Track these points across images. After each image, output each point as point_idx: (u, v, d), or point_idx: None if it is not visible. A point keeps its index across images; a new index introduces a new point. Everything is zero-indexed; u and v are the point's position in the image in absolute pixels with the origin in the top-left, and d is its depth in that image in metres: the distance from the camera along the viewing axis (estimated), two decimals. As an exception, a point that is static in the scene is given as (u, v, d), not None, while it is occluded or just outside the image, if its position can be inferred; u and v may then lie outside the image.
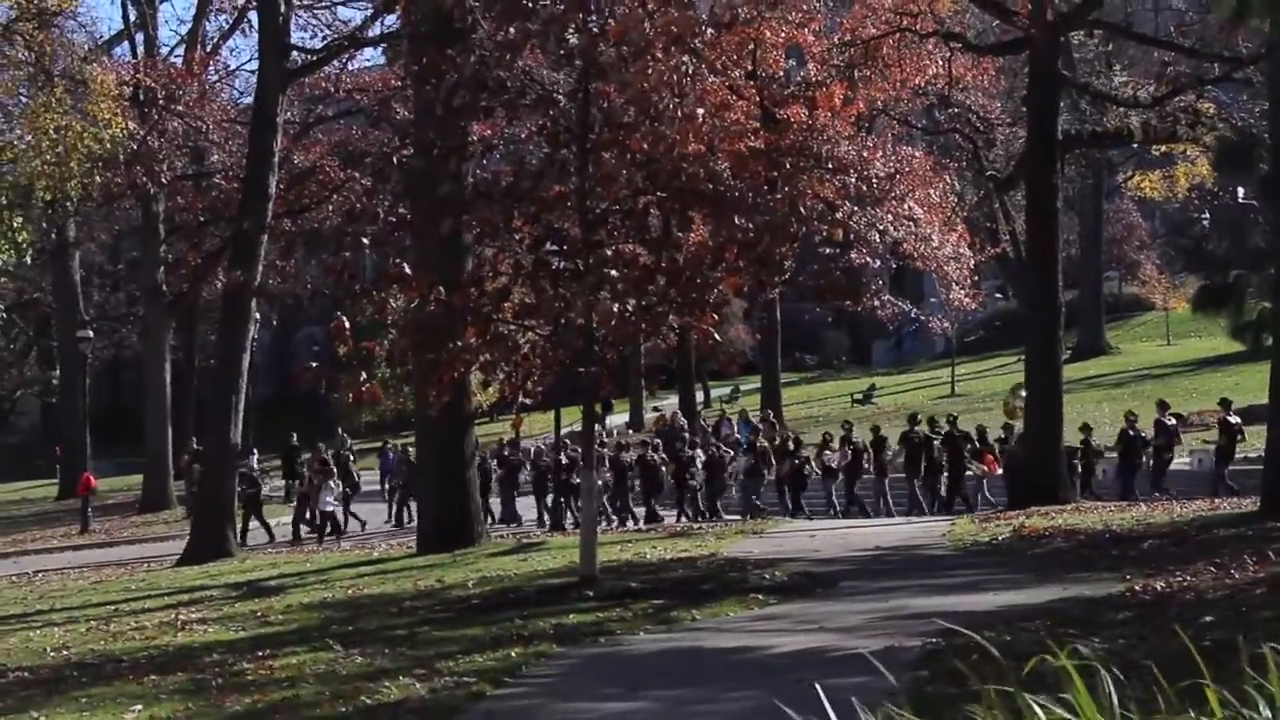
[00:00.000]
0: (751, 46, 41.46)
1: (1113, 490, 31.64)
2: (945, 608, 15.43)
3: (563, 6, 18.72)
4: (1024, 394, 37.93)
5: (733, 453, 35.33)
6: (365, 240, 20.39)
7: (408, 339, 19.37)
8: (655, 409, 58.29)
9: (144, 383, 54.30)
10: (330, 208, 44.61)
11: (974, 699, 5.03)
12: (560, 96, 19.51)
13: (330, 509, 34.49)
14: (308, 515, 35.44)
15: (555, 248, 19.16)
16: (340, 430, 50.56)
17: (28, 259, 46.79)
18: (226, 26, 55.45)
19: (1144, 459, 31.87)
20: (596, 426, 27.58)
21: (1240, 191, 38.99)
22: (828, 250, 45.53)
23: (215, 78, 55.03)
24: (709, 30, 19.71)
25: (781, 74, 44.19)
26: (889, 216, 42.29)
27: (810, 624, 15.10)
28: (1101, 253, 74.85)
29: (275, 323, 74.43)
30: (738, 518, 31.94)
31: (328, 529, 34.18)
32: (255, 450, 46.19)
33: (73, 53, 44.18)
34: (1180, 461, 33.79)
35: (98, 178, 42.76)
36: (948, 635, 12.21)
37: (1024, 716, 4.67)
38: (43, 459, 70.71)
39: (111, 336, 78.79)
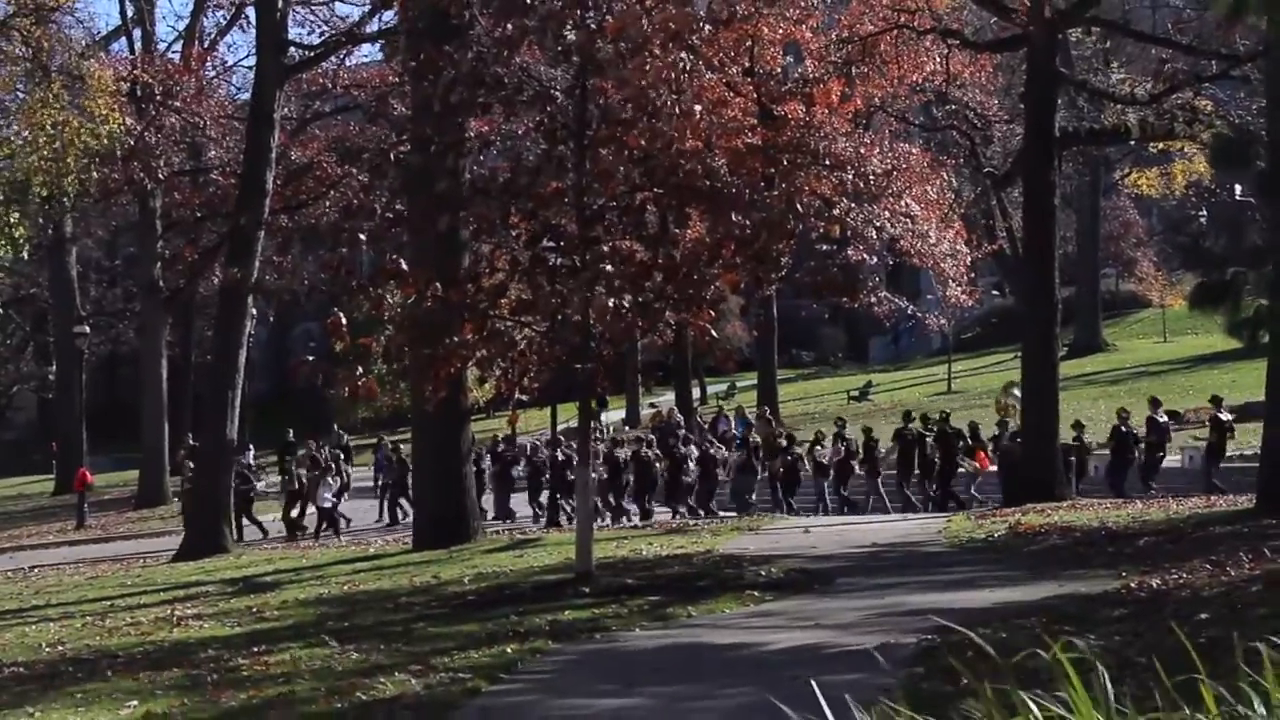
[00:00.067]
0: (749, 43, 41.50)
1: (1104, 487, 31.64)
2: (941, 604, 15.42)
3: (560, 3, 18.71)
4: (1016, 392, 37.92)
5: (725, 449, 35.31)
6: (362, 236, 20.36)
7: (404, 335, 19.36)
8: (652, 405, 58.30)
9: (140, 378, 54.29)
10: (327, 204, 44.65)
11: (970, 695, 5.03)
12: (558, 93, 19.51)
13: (328, 505, 34.49)
14: (294, 513, 35.45)
15: (552, 244, 19.14)
16: (336, 426, 50.56)
17: (24, 254, 46.86)
18: (224, 22, 55.55)
19: (1136, 456, 31.87)
20: (592, 423, 27.56)
21: (1238, 189, 39.00)
22: (825, 247, 45.46)
23: (213, 73, 55.07)
24: (707, 27, 19.70)
25: (779, 71, 44.22)
26: (886, 213, 42.35)
27: (806, 620, 15.09)
28: (1099, 250, 74.87)
29: (272, 319, 74.38)
30: (733, 514, 31.92)
31: (324, 525, 34.17)
32: (251, 446, 46.18)
33: (70, 48, 44.15)
34: (1172, 459, 33.77)
35: (95, 173, 42.76)
36: (943, 632, 12.22)
37: (1019, 713, 4.66)
38: (39, 454, 70.69)
39: (108, 332, 78.74)
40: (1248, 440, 33.67)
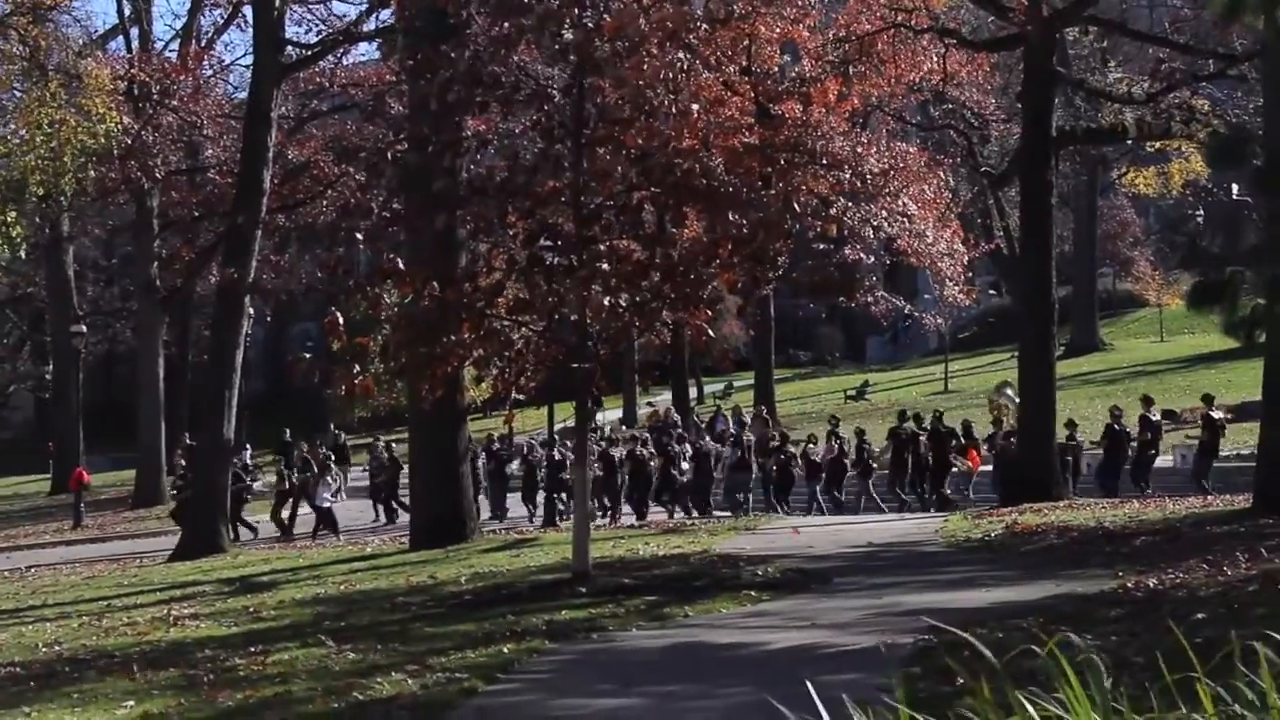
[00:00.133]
0: (746, 42, 41.53)
1: (1095, 486, 31.64)
2: (938, 604, 15.43)
3: (557, 2, 18.70)
4: (1010, 391, 37.93)
5: (718, 447, 35.28)
6: (359, 235, 20.38)
7: (401, 334, 19.35)
8: (649, 405, 58.22)
9: (137, 378, 54.28)
10: (324, 203, 44.67)
11: (967, 695, 5.03)
12: (555, 92, 19.50)
13: (327, 506, 34.49)
14: (285, 513, 35.44)
15: (549, 243, 19.13)
16: (332, 426, 50.55)
17: (21, 254, 46.77)
18: (221, 21, 55.48)
19: (1129, 454, 31.87)
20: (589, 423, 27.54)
21: (1234, 188, 38.98)
22: (822, 246, 45.66)
23: (210, 72, 55.05)
24: (704, 26, 19.69)
25: (776, 70, 44.23)
26: (883, 212, 42.40)
27: (803, 620, 15.09)
28: (1095, 249, 74.84)
29: (269, 318, 74.18)
30: (726, 514, 31.89)
31: (322, 526, 34.17)
32: (248, 446, 46.18)
33: (67, 47, 44.12)
34: (1164, 458, 33.74)
35: (92, 172, 42.72)
36: (940, 632, 12.21)
37: (1016, 713, 4.66)
38: (36, 454, 70.62)
39: (105, 331, 78.70)
40: (1244, 440, 33.71)
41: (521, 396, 32.26)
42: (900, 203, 42.48)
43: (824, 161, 38.67)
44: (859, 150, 40.76)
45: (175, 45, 55.87)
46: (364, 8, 43.76)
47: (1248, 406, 37.07)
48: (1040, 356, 30.23)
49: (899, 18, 37.05)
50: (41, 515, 49.98)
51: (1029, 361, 30.58)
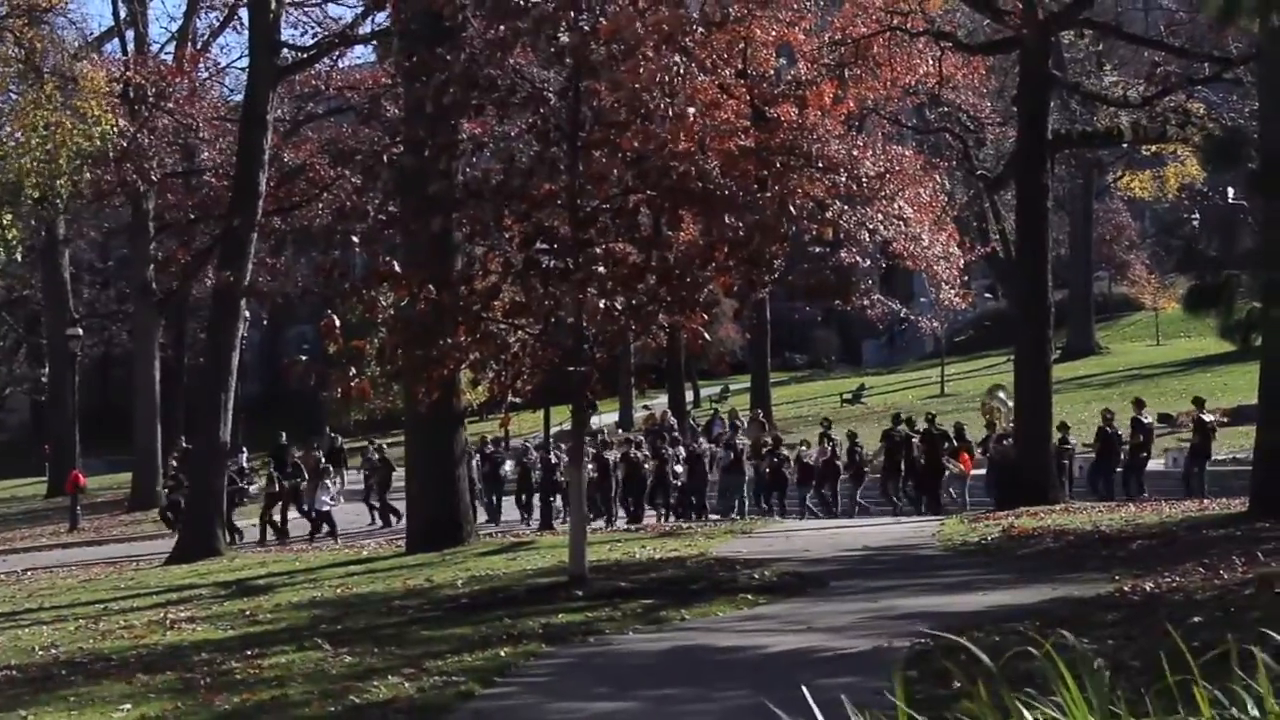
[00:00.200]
0: (742, 45, 41.50)
1: (1087, 489, 31.63)
2: (934, 608, 15.45)
3: (553, 5, 18.70)
4: (1002, 394, 37.95)
5: (713, 448, 35.27)
6: (355, 238, 20.36)
7: (397, 337, 19.35)
8: (645, 408, 58.25)
9: (133, 381, 54.27)
10: (320, 205, 44.68)
11: (964, 699, 5.03)
12: (551, 95, 19.50)
13: (326, 508, 34.49)
14: (276, 515, 35.41)
15: (545, 246, 19.12)
16: (328, 429, 50.52)
17: (17, 256, 46.74)
18: (217, 24, 55.52)
19: (1121, 457, 31.86)
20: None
21: (1230, 192, 38.96)
22: (818, 249, 45.62)
23: (205, 75, 55.04)
24: (699, 29, 19.70)
25: (772, 73, 44.23)
26: (879, 215, 42.42)
27: (799, 624, 15.10)
28: (1091, 253, 74.92)
29: (265, 321, 74.18)
30: (717, 517, 31.88)
31: (322, 528, 34.17)
32: (244, 449, 46.11)
33: (63, 49, 44.18)
34: (1156, 461, 33.74)
35: (87, 175, 42.75)
36: (936, 636, 12.22)
37: (1012, 717, 4.66)
38: (32, 457, 70.56)
39: (101, 334, 78.69)
40: (1239, 443, 33.74)
41: (518, 399, 32.18)
42: (896, 206, 42.49)
43: (820, 164, 38.76)
44: (855, 153, 40.78)
45: (171, 48, 55.94)
46: (359, 11, 43.87)
47: (1244, 410, 37.12)
48: (1036, 360, 30.25)
49: (895, 21, 37.04)
50: (38, 518, 49.93)
51: (1025, 365, 30.60)
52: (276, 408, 69.45)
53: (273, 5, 33.81)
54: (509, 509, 35.42)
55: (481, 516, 33.08)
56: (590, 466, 30.74)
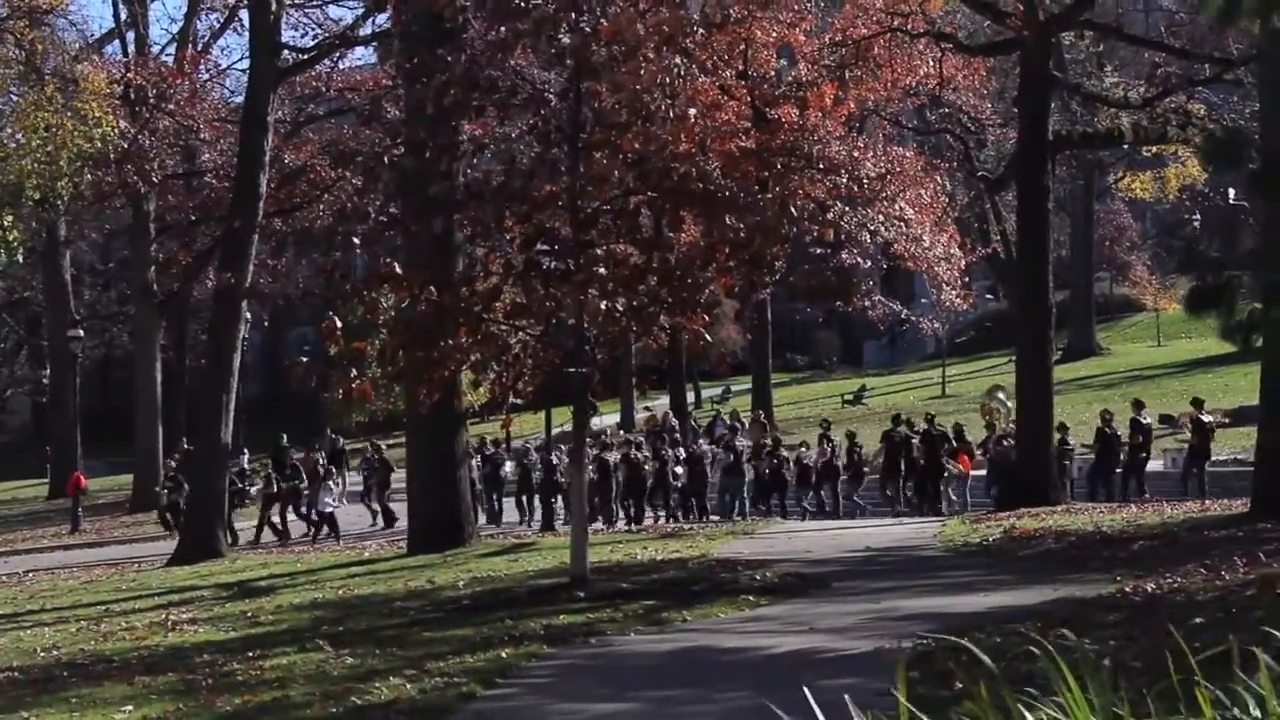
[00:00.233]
0: (743, 46, 41.50)
1: (1087, 490, 31.61)
2: (936, 609, 15.46)
3: (554, 6, 18.70)
4: (1001, 395, 37.92)
5: (714, 450, 35.26)
6: (356, 240, 20.36)
7: (398, 338, 19.34)
8: (646, 409, 58.25)
9: (134, 382, 54.27)
10: (321, 207, 44.65)
11: (965, 700, 5.03)
12: (551, 96, 19.50)
13: (330, 510, 34.50)
14: (274, 517, 35.39)
15: (546, 247, 19.13)
16: (329, 430, 50.50)
17: (18, 258, 46.76)
18: (218, 25, 55.51)
19: (1120, 458, 31.84)
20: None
21: (1231, 193, 38.94)
22: (819, 250, 45.60)
23: (206, 76, 55.04)
24: (700, 30, 19.70)
25: (773, 74, 44.22)
26: (880, 217, 42.40)
27: (801, 625, 15.10)
28: (1092, 254, 74.90)
29: (266, 323, 74.20)
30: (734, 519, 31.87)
31: (324, 529, 34.18)
32: (245, 450, 46.10)
33: (63, 51, 44.21)
34: (1155, 462, 33.72)
35: (88, 176, 42.78)
36: (938, 637, 12.22)
37: (1013, 718, 4.66)
38: (33, 458, 70.59)
39: (102, 336, 78.69)
40: (1241, 444, 33.72)
41: (519, 401, 32.16)
42: (897, 207, 42.47)
43: (820, 166, 38.73)
44: (855, 154, 40.77)
45: (171, 49, 55.92)
46: (360, 12, 43.84)
47: (1245, 411, 37.10)
48: (1037, 361, 30.24)
49: (895, 22, 37.04)
50: (39, 520, 49.93)
51: (1026, 366, 30.59)
52: (278, 409, 69.44)
53: (273, 7, 33.82)
54: (510, 510, 35.42)
55: (481, 518, 33.10)
56: (590, 468, 30.75)
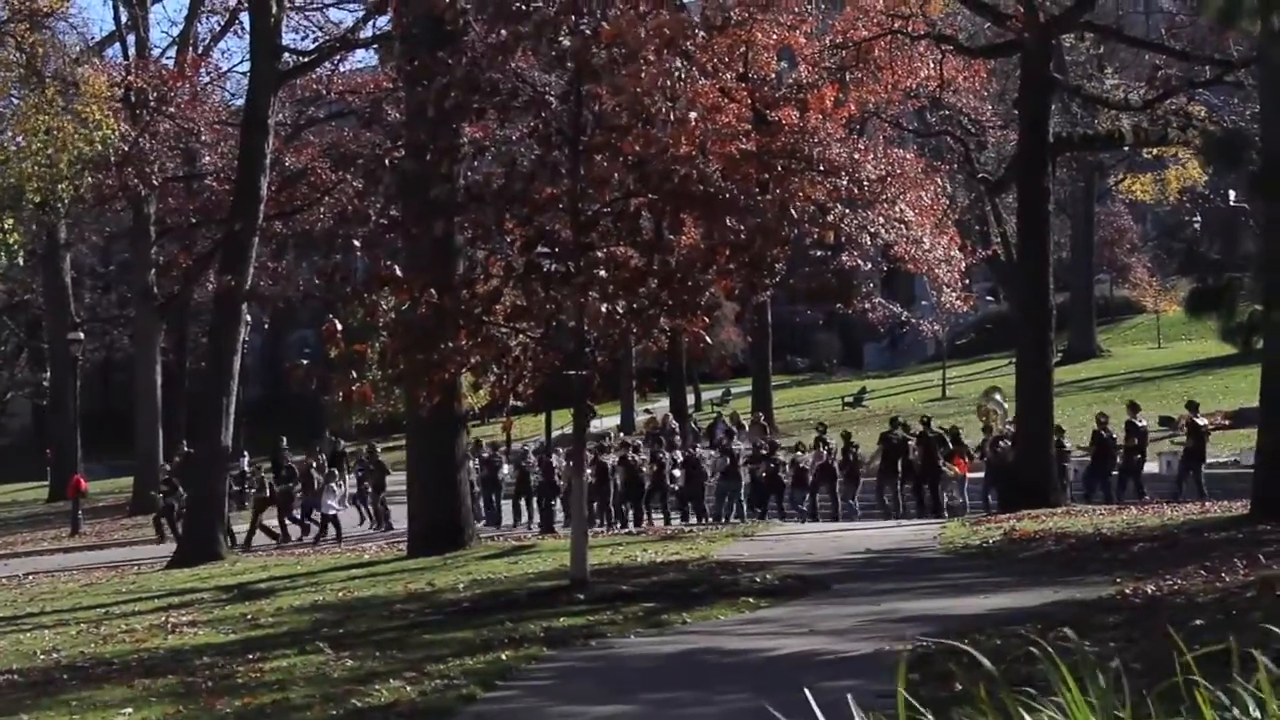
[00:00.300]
0: (743, 49, 41.52)
1: (1083, 493, 31.58)
2: (936, 611, 15.46)
3: (555, 9, 18.71)
4: (998, 397, 37.86)
5: (713, 454, 35.26)
6: (356, 242, 20.37)
7: (398, 341, 19.34)
8: (647, 411, 58.28)
9: (135, 385, 54.30)
10: (322, 210, 44.66)
11: (965, 701, 5.03)
12: (552, 98, 19.51)
13: (333, 512, 34.51)
14: (269, 521, 35.38)
15: (547, 250, 19.13)
16: (328, 433, 50.49)
17: (19, 261, 46.75)
18: (218, 28, 55.53)
19: (1116, 460, 31.82)
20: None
21: (1231, 195, 38.92)
22: (819, 253, 45.63)
23: (207, 79, 55.03)
24: (700, 33, 19.71)
25: (773, 76, 44.24)
26: (880, 219, 42.42)
27: (801, 627, 15.10)
28: (1093, 255, 74.93)
29: (266, 325, 74.30)
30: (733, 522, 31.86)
31: (329, 530, 34.19)
32: (246, 453, 46.12)
33: (64, 54, 44.24)
34: (1150, 465, 33.68)
35: (89, 179, 42.79)
36: (939, 638, 12.22)
37: (1014, 719, 4.66)
38: (34, 461, 70.61)
39: (102, 339, 78.72)
40: (1241, 445, 33.71)
41: (519, 403, 32.16)
42: (897, 209, 42.49)
43: (821, 168, 38.73)
44: (856, 156, 40.79)
45: (172, 52, 55.95)
46: (361, 15, 43.83)
47: (1245, 413, 37.10)
48: (1038, 363, 30.23)
49: (896, 24, 37.05)
50: (39, 522, 49.94)
51: (1026, 368, 30.58)
52: (278, 412, 69.46)
53: (274, 10, 33.82)
54: (508, 513, 35.43)
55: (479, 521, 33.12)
56: (588, 471, 30.74)
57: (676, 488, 33.15)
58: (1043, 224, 30.53)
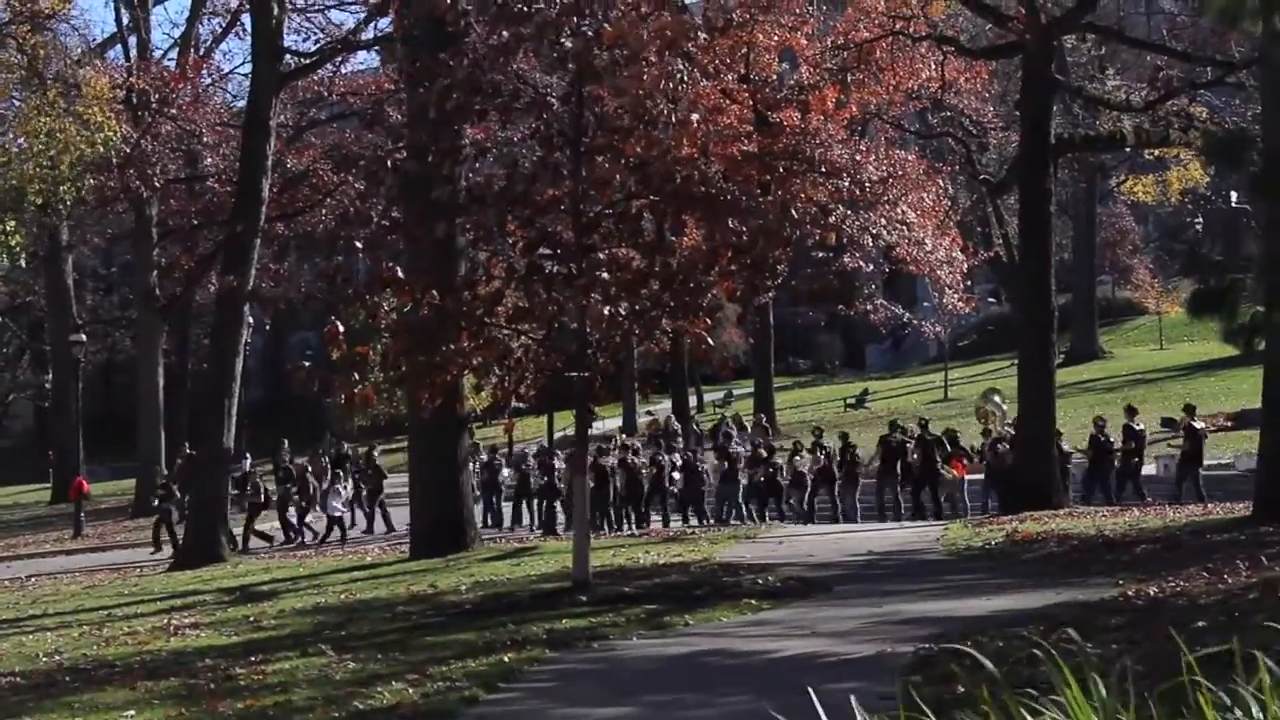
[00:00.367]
0: (745, 50, 41.53)
1: (1080, 495, 31.55)
2: (939, 612, 15.45)
3: (556, 10, 18.71)
4: (996, 399, 37.87)
5: (713, 462, 35.23)
6: (358, 244, 20.39)
7: (400, 342, 19.34)
8: (649, 413, 58.30)
9: (137, 387, 54.31)
10: (324, 211, 44.68)
11: (968, 703, 5.03)
12: (554, 100, 19.50)
13: (339, 514, 34.52)
14: (261, 526, 35.39)
15: (549, 251, 19.13)
16: (328, 434, 50.53)
17: (21, 263, 46.80)
18: (219, 30, 55.61)
19: (1114, 464, 31.79)
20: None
21: (1233, 196, 38.92)
22: (821, 254, 45.66)
23: (208, 81, 55.09)
24: (702, 34, 19.71)
25: (774, 78, 44.23)
26: (882, 220, 42.40)
27: (803, 629, 15.09)
28: (1094, 257, 74.90)
29: (268, 327, 74.38)
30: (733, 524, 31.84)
31: (334, 533, 34.21)
32: (248, 455, 46.12)
33: (66, 56, 44.27)
34: (1148, 468, 33.64)
35: (90, 181, 42.80)
36: (941, 640, 12.21)
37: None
38: (36, 463, 70.64)
39: (104, 340, 78.75)
40: (1243, 447, 33.67)
41: (521, 405, 32.20)
42: (899, 210, 42.49)
43: (823, 169, 38.71)
44: (858, 158, 40.77)
45: (174, 54, 55.94)
46: (362, 16, 43.87)
47: (1247, 414, 37.07)
48: (1040, 364, 30.21)
49: (897, 25, 37.05)
50: (41, 524, 49.93)
51: (1028, 369, 30.56)
52: (280, 414, 69.51)
53: (275, 11, 33.84)
54: (508, 515, 35.43)
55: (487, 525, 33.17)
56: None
57: (676, 490, 33.14)
58: (1044, 225, 30.51)
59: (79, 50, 49.50)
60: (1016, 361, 34.64)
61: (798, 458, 33.67)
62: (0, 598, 27.82)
